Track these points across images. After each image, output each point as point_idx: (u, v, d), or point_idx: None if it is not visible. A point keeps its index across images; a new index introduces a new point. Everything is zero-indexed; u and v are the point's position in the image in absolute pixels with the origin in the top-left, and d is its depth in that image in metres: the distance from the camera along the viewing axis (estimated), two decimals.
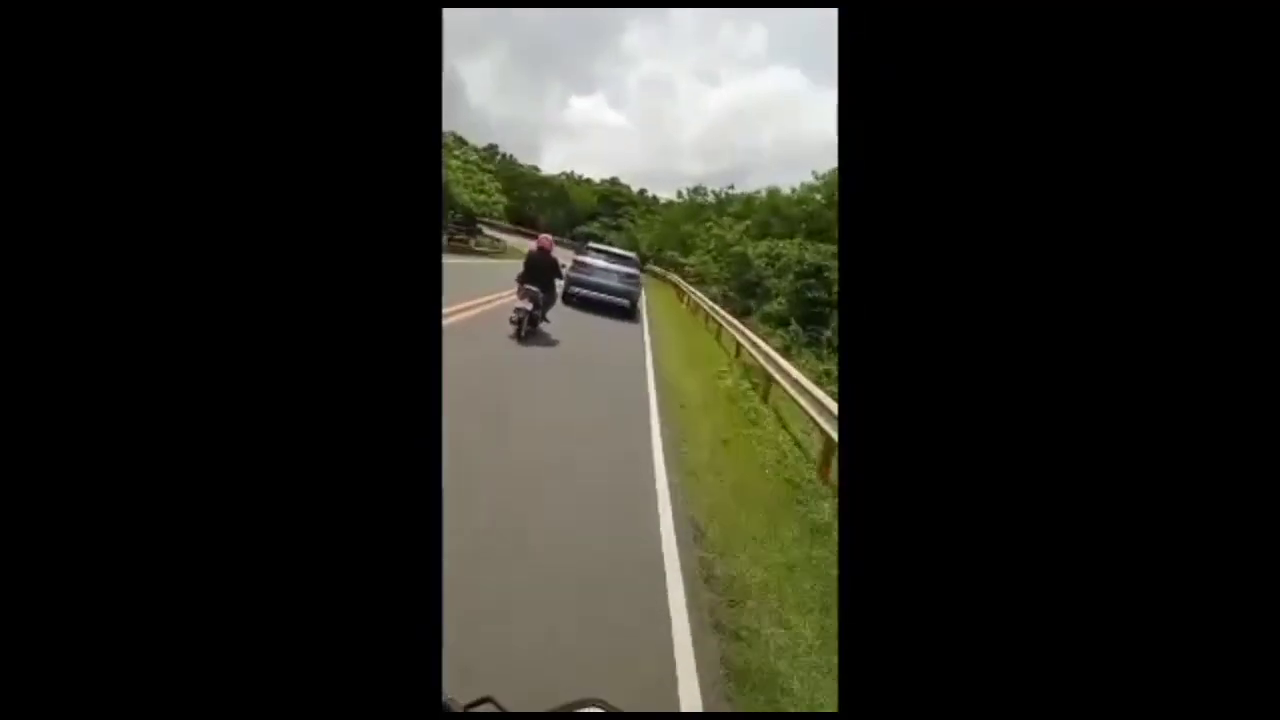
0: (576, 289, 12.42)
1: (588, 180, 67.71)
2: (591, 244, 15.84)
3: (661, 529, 3.62)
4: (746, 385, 8.09)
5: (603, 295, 12.69)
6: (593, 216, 56.74)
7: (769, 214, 25.27)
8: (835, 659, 3.38)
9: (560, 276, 9.04)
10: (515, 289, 8.18)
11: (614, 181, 66.41)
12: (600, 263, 13.21)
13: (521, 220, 52.82)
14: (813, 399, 5.34)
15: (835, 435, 4.73)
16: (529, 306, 7.93)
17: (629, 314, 12.98)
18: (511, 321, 7.92)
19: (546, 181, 64.07)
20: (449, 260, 14.45)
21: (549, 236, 9.01)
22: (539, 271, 8.24)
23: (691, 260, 27.48)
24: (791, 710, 2.42)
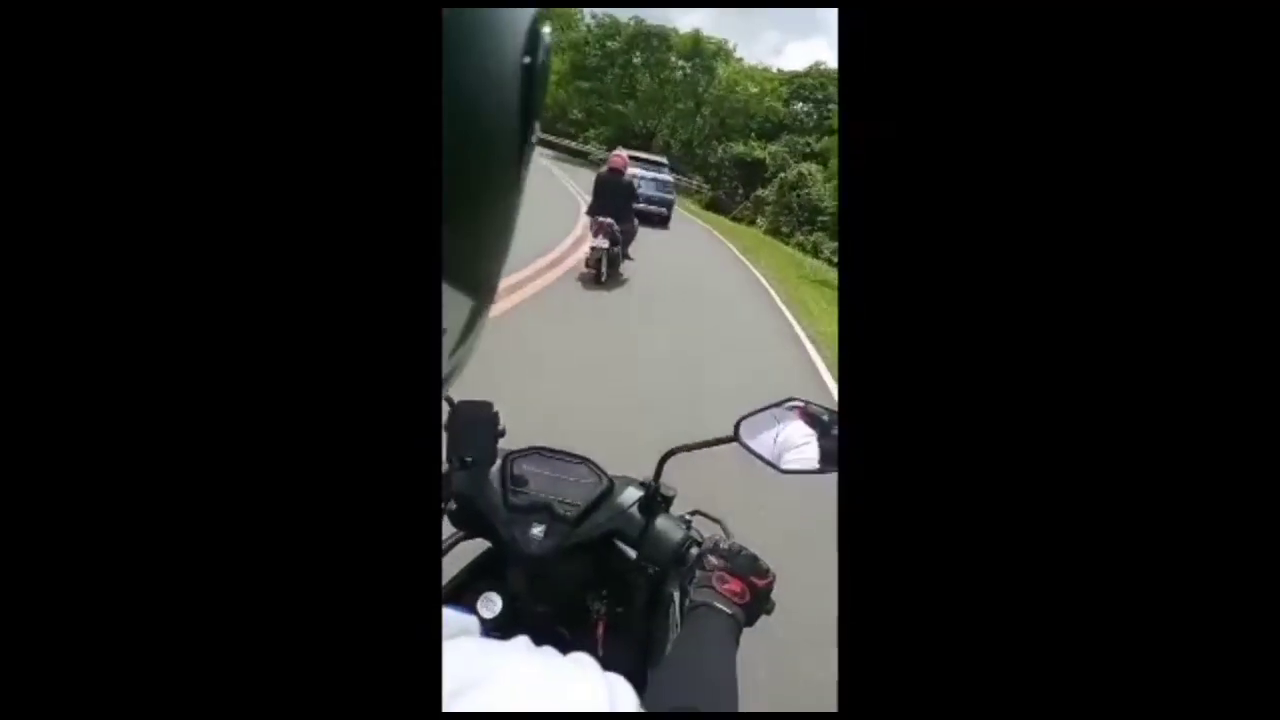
0: None
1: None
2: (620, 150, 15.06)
3: None
4: None
5: (639, 205, 12.32)
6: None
7: None
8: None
9: (638, 201, 7.67)
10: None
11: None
12: (634, 172, 12.79)
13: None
14: None
15: None
16: (605, 244, 6.53)
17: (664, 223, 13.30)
18: (587, 264, 6.69)
19: None
20: None
21: (623, 154, 7.11)
22: (613, 198, 6.67)
23: None
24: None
